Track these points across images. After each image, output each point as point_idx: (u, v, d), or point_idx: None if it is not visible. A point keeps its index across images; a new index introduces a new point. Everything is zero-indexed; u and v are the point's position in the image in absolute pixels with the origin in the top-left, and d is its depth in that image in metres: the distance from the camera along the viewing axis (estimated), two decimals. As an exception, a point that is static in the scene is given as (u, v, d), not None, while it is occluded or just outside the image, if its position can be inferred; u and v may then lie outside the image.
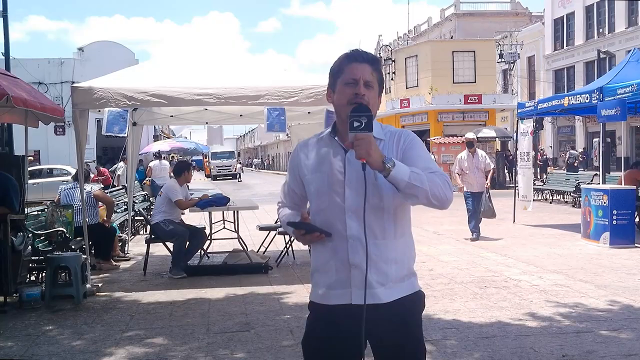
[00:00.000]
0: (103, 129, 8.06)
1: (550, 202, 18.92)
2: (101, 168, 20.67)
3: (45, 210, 8.76)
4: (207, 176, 52.64)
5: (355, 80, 2.38)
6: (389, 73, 37.54)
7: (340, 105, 2.41)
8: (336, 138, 2.44)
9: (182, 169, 8.98)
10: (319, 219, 2.42)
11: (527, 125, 13.96)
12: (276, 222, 9.62)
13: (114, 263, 9.33)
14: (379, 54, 39.98)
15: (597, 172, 15.30)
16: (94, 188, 9.41)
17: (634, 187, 10.95)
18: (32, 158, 24.73)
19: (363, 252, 2.33)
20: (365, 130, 2.22)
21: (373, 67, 2.42)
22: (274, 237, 9.51)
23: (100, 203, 9.32)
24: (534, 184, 20.39)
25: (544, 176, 23.20)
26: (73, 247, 8.04)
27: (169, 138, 45.57)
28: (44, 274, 7.45)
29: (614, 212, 10.09)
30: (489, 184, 11.51)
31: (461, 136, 28.74)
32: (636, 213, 10.85)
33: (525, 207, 13.91)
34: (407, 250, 2.47)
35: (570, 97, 12.33)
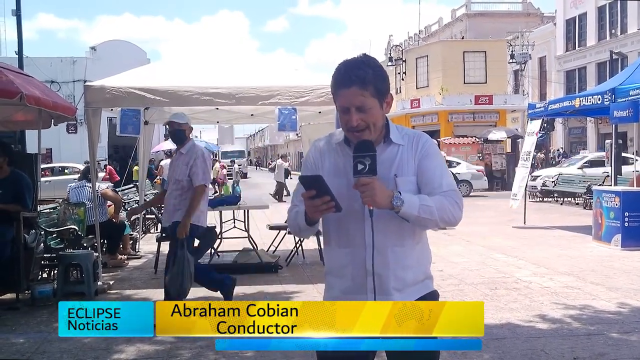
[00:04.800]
0: (117, 130, 8.12)
1: (562, 204, 18.84)
2: (108, 167, 20.80)
3: (58, 208, 8.82)
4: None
5: (347, 108, 2.32)
6: (399, 73, 37.49)
7: (343, 129, 2.41)
8: (349, 146, 2.39)
9: None
10: (334, 225, 2.42)
11: (535, 126, 13.91)
12: (286, 221, 9.63)
13: (120, 257, 9.37)
14: (390, 54, 39.92)
15: (609, 174, 15.21)
16: (102, 186, 9.48)
17: (646, 189, 10.87)
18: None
19: (382, 260, 2.34)
20: (369, 173, 2.20)
21: (363, 87, 2.28)
22: (284, 236, 9.52)
23: (108, 201, 9.39)
24: (544, 185, 20.32)
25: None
26: (85, 244, 8.09)
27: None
28: (56, 272, 7.49)
29: (626, 214, 10.03)
30: None
31: (472, 137, 28.72)
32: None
33: (512, 206, 13.83)
34: (423, 255, 2.49)
35: (581, 98, 12.26)
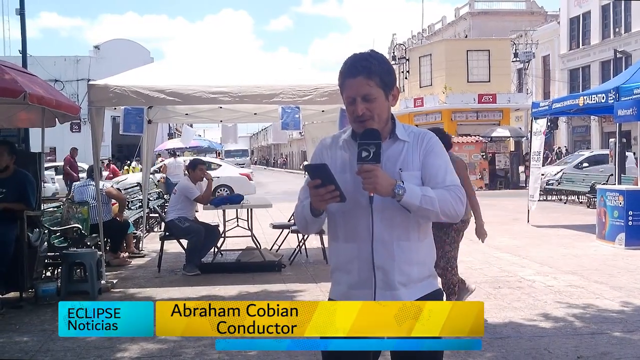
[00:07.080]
0: (120, 129, 8.12)
1: (565, 203, 18.79)
2: (112, 165, 20.87)
3: (61, 206, 8.83)
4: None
5: (353, 98, 2.37)
6: (402, 72, 37.43)
7: (349, 120, 2.45)
8: (356, 140, 2.41)
9: (195, 164, 9.01)
10: (341, 219, 2.44)
11: (541, 125, 13.85)
12: (289, 219, 9.64)
13: (122, 255, 9.38)
14: (393, 52, 39.88)
15: (613, 173, 15.17)
16: (107, 185, 9.48)
17: (650, 187, 10.85)
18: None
19: (387, 253, 2.36)
20: (373, 160, 2.23)
21: (368, 76, 2.35)
22: (287, 235, 9.52)
23: (112, 200, 9.40)
24: (548, 183, 20.25)
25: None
26: (88, 243, 8.11)
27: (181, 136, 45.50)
28: (59, 270, 7.51)
29: (630, 212, 10.00)
30: None
31: (475, 136, 28.65)
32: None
33: (531, 207, 13.76)
34: (429, 253, 2.51)
35: (585, 97, 12.22)
